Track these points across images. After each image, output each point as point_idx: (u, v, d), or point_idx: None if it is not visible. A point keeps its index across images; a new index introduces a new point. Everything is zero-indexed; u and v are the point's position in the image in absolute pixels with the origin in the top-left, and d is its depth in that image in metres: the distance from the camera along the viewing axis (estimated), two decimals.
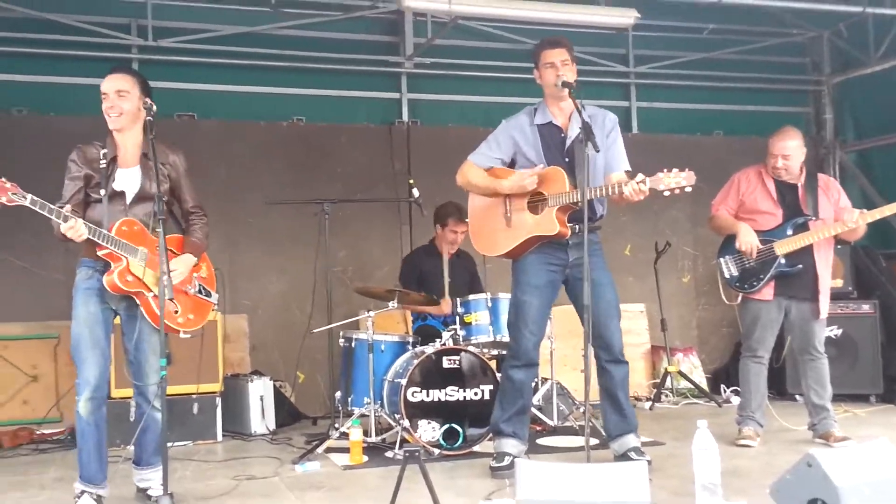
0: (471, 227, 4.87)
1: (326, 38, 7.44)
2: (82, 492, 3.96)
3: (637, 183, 4.25)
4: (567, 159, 4.55)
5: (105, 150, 4.01)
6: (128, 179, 4.03)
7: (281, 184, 6.94)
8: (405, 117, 7.64)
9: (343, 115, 7.50)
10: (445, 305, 5.89)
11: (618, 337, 4.62)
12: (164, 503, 3.74)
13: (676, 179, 4.21)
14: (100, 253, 3.90)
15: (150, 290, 3.97)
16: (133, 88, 4.02)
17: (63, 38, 6.77)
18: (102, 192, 3.97)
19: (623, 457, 4.52)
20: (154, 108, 3.93)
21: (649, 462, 4.38)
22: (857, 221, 5.12)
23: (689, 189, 4.22)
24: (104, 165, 3.99)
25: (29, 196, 3.70)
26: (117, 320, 4.13)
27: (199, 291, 4.24)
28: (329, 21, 7.32)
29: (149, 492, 4.16)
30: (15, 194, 3.67)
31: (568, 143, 4.57)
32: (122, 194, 4.01)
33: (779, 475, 3.47)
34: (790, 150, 5.24)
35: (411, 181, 6.09)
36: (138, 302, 3.99)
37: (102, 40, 6.85)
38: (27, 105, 6.70)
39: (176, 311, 4.05)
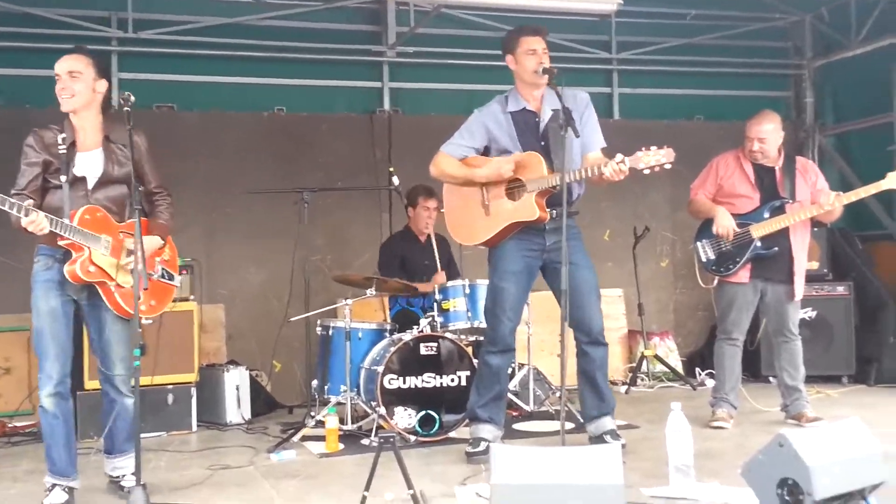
0: (448, 217, 4.84)
1: (308, 27, 7.40)
2: (53, 485, 3.89)
3: (617, 163, 4.24)
4: (542, 143, 4.54)
5: (63, 135, 3.88)
6: (89, 164, 3.93)
7: (262, 174, 6.90)
8: (386, 106, 7.62)
9: (324, 104, 7.47)
10: (440, 276, 5.88)
11: (598, 319, 4.61)
12: (137, 495, 3.65)
13: (656, 157, 4.21)
14: (61, 243, 3.80)
15: (113, 280, 3.89)
16: (87, 69, 3.90)
17: (42, 32, 6.70)
18: (63, 178, 3.84)
19: (598, 439, 4.53)
20: (132, 98, 3.80)
21: (623, 445, 4.39)
22: (833, 203, 5.13)
23: (668, 166, 4.22)
24: (63, 150, 3.85)
25: None
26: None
27: (162, 276, 4.14)
28: (310, 11, 7.29)
29: (121, 482, 4.09)
30: None
31: (542, 126, 4.56)
32: (83, 179, 3.90)
33: (751, 455, 3.47)
34: (765, 133, 5.24)
35: (391, 169, 6.08)
36: (100, 291, 3.90)
37: (82, 33, 6.80)
38: (4, 97, 6.65)
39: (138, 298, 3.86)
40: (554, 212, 4.45)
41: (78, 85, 3.88)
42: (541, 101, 4.60)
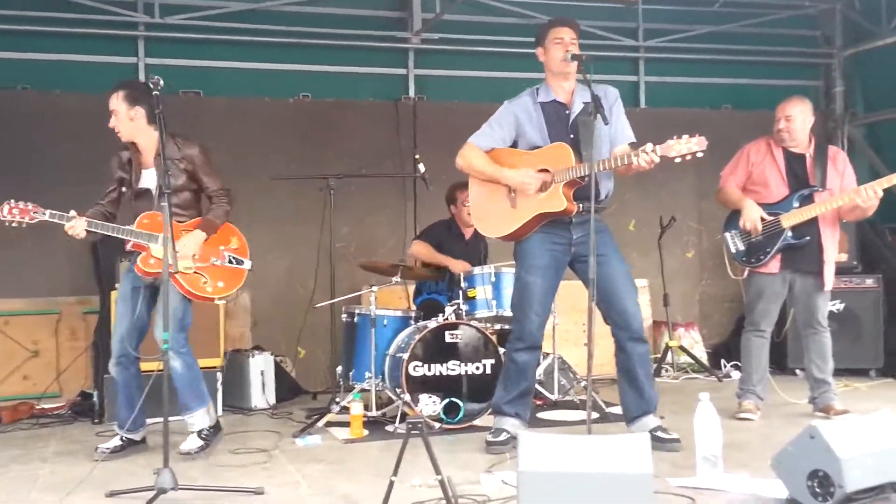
0: (473, 209, 4.81)
1: (333, 13, 7.39)
2: (114, 433, 4.64)
3: (649, 152, 4.19)
4: (572, 136, 4.49)
5: (129, 156, 4.59)
6: (151, 178, 4.55)
7: (287, 161, 6.90)
8: (412, 93, 7.60)
9: (349, 91, 7.45)
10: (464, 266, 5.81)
11: (638, 314, 4.54)
12: (165, 477, 3.69)
13: (688, 145, 4.16)
14: (127, 247, 4.54)
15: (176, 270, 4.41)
16: (119, 104, 4.49)
17: (69, 16, 6.75)
18: (130, 191, 4.59)
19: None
20: (161, 83, 3.98)
21: (678, 440, 4.37)
22: (862, 193, 5.01)
23: (700, 154, 4.16)
24: (129, 169, 4.58)
25: (48, 211, 4.36)
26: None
27: (230, 261, 4.66)
28: None
29: (190, 429, 4.57)
30: (36, 213, 4.35)
31: (572, 118, 4.51)
32: (147, 191, 4.55)
33: (780, 447, 3.44)
34: (791, 110, 5.20)
35: (417, 157, 6.05)
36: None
37: (109, 18, 6.85)
38: (31, 82, 6.67)
39: (204, 282, 4.53)
40: (581, 205, 4.42)
41: (115, 121, 4.50)
42: (571, 95, 4.57)
